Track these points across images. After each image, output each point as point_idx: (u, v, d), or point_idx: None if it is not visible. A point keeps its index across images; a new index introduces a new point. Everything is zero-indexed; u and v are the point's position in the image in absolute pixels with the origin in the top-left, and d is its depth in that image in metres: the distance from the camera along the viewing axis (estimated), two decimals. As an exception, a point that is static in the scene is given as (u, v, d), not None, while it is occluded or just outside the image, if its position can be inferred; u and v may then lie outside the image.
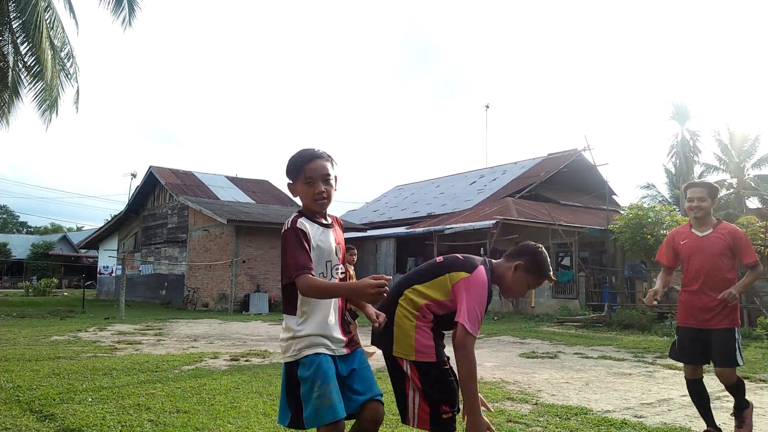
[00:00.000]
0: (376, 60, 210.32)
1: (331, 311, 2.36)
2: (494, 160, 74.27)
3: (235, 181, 28.33)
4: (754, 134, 26.79)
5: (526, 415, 4.34)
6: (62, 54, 14.19)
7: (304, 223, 2.32)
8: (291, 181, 2.44)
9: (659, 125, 78.98)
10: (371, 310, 2.51)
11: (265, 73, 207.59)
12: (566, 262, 20.48)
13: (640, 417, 4.43)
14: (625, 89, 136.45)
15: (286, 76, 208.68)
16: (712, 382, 6.05)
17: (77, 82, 14.71)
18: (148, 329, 11.58)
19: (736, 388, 3.87)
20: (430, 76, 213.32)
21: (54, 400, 4.58)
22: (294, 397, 2.30)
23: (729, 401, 5.10)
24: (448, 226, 19.40)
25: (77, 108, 14.92)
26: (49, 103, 13.61)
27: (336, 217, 2.55)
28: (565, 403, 4.87)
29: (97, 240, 31.06)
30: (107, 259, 29.72)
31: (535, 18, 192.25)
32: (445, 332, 2.82)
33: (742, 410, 3.89)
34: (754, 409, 4.81)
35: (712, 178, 27.07)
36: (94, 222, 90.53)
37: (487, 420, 2.65)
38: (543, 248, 2.89)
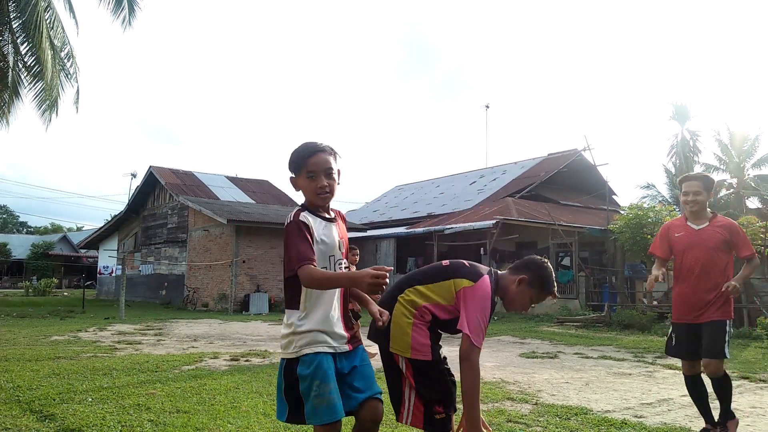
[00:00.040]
0: (376, 60, 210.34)
1: (333, 306, 2.32)
2: (494, 160, 74.32)
3: (235, 181, 28.33)
4: (754, 134, 26.78)
5: (526, 415, 4.34)
6: (62, 54, 14.19)
7: (306, 217, 2.29)
8: (293, 175, 2.40)
9: (659, 125, 78.94)
10: (375, 308, 2.47)
11: (265, 73, 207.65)
12: (566, 262, 20.48)
13: (640, 417, 4.43)
14: (625, 89, 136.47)
15: (287, 76, 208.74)
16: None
17: (77, 82, 14.73)
18: (148, 329, 11.58)
19: (723, 388, 3.80)
20: (430, 76, 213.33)
21: (54, 400, 4.58)
22: (293, 394, 2.27)
23: (729, 401, 5.10)
24: (448, 226, 19.40)
25: (77, 108, 14.94)
26: (49, 103, 13.61)
27: (339, 212, 2.50)
28: (565, 403, 4.87)
29: (97, 240, 31.05)
30: (107, 259, 29.72)
31: (535, 18, 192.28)
32: (442, 333, 2.82)
33: (727, 420, 3.81)
34: (755, 409, 4.82)
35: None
36: (94, 222, 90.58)
37: None
38: (549, 264, 2.86)
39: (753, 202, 26.72)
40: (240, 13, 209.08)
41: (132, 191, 30.30)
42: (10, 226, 68.62)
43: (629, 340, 10.64)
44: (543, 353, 8.42)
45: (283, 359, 2.34)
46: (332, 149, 2.40)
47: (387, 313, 2.50)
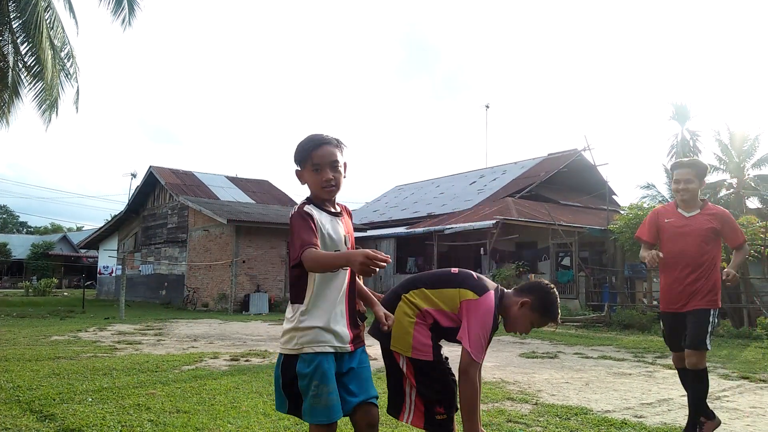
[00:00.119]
0: (376, 60, 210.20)
1: (339, 304, 2.26)
2: (494, 160, 74.27)
3: (235, 181, 28.33)
4: (754, 134, 26.75)
5: (526, 415, 4.34)
6: (62, 54, 14.20)
7: (311, 209, 2.24)
8: (299, 168, 2.34)
9: (659, 125, 78.93)
10: (381, 311, 2.43)
11: (265, 73, 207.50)
12: (566, 262, 20.47)
13: (640, 417, 4.42)
14: (625, 89, 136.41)
15: (287, 76, 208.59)
16: (712, 382, 6.04)
17: (77, 82, 14.73)
18: (148, 329, 11.57)
19: (699, 382, 3.66)
20: (430, 76, 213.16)
21: (54, 400, 4.57)
22: (292, 390, 2.23)
23: (729, 401, 5.11)
24: (448, 226, 19.39)
25: (77, 108, 14.94)
26: (49, 103, 13.61)
27: (345, 207, 2.45)
28: (565, 403, 4.87)
29: (97, 240, 31.04)
30: (107, 259, 29.71)
31: (535, 18, 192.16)
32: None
33: (699, 418, 3.69)
34: (755, 409, 4.81)
35: (712, 178, 27.01)
36: (94, 222, 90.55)
37: None
38: (554, 289, 2.82)
39: (753, 202, 26.70)
40: (240, 13, 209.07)
41: (132, 191, 30.32)
42: (10, 226, 68.60)
43: (629, 340, 10.64)
44: (543, 353, 8.41)
45: (281, 354, 2.28)
46: (338, 141, 2.34)
47: (392, 317, 2.47)
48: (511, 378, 6.17)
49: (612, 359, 7.92)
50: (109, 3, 13.99)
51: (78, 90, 14.80)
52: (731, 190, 26.87)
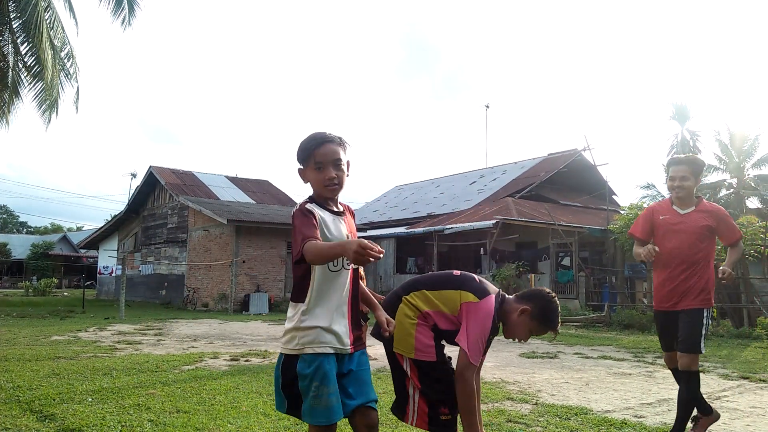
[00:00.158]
0: (376, 60, 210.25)
1: (342, 304, 2.24)
2: (494, 160, 74.28)
3: (235, 181, 28.33)
4: (754, 134, 26.75)
5: (526, 415, 4.34)
6: (62, 54, 14.19)
7: (313, 207, 2.21)
8: (301, 167, 2.32)
9: (659, 125, 78.93)
10: (383, 316, 2.41)
11: (265, 73, 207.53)
12: (566, 262, 20.48)
13: (640, 417, 4.42)
14: (625, 89, 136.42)
15: (286, 76, 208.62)
16: (711, 382, 6.05)
17: (77, 82, 14.72)
18: (148, 329, 11.57)
19: (690, 385, 3.59)
20: (430, 76, 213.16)
21: (54, 400, 4.57)
22: (292, 390, 2.21)
23: (729, 401, 5.11)
24: (448, 226, 19.39)
25: (77, 108, 14.93)
26: (49, 103, 13.60)
27: (348, 207, 2.42)
28: (565, 403, 4.87)
29: (97, 240, 31.04)
30: (107, 259, 29.71)
31: (535, 18, 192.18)
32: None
33: (696, 419, 3.67)
34: (755, 409, 4.81)
35: (712, 178, 27.03)
36: (94, 222, 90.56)
37: None
38: (556, 299, 2.80)
39: (753, 202, 26.70)
40: (240, 13, 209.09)
41: (132, 191, 30.32)
42: (10, 226, 68.60)
43: (629, 340, 10.64)
44: (543, 353, 8.42)
45: (282, 354, 2.26)
46: (341, 139, 2.32)
47: (393, 322, 2.45)
48: (511, 378, 6.17)
49: (612, 359, 7.92)
50: (109, 3, 13.99)
51: (78, 90, 14.81)
52: (731, 190, 26.86)
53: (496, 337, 2.80)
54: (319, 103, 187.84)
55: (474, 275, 2.81)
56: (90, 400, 4.60)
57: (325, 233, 2.19)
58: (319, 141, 2.27)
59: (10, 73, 13.66)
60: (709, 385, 5.92)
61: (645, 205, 15.26)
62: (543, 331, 2.79)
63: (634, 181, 76.44)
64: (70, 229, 57.36)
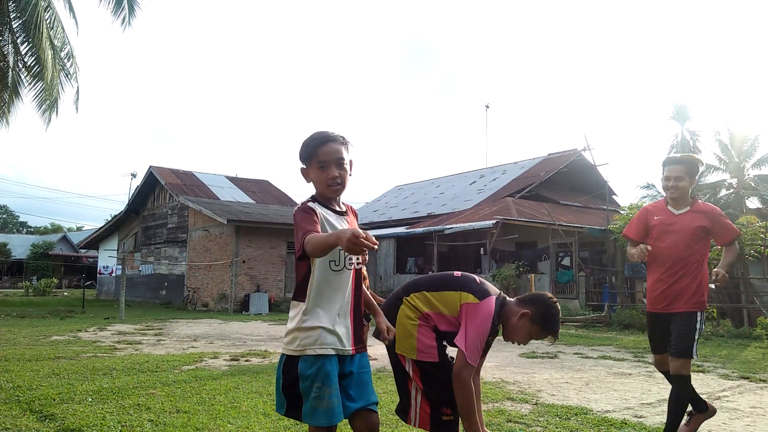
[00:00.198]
0: (376, 60, 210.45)
1: (344, 305, 2.22)
2: (494, 160, 74.29)
3: (235, 181, 28.34)
4: (754, 134, 26.71)
5: (526, 415, 4.34)
6: (62, 54, 14.18)
7: (315, 206, 2.20)
8: (304, 166, 2.30)
9: (659, 125, 78.93)
10: (383, 323, 2.40)
11: (265, 73, 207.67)
12: (566, 262, 20.48)
13: (640, 417, 4.42)
14: (625, 89, 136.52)
15: (287, 76, 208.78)
16: (711, 382, 6.05)
17: (77, 82, 14.71)
18: (148, 329, 11.58)
19: (680, 390, 3.51)
20: (430, 76, 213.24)
21: (54, 400, 4.57)
22: (293, 391, 2.20)
23: (729, 401, 5.11)
24: (448, 226, 19.40)
25: (77, 108, 14.92)
26: (49, 103, 13.60)
27: (351, 206, 2.41)
28: (565, 403, 4.87)
29: (97, 240, 31.05)
30: (107, 259, 29.72)
31: (535, 18, 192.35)
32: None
33: (690, 414, 3.63)
34: (755, 409, 4.81)
35: (712, 178, 27.02)
36: (94, 222, 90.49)
37: None
38: (557, 303, 2.79)
39: (753, 202, 26.69)
40: (240, 12, 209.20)
41: (132, 191, 30.33)
42: (10, 226, 68.61)
43: (629, 340, 10.64)
44: (543, 353, 8.42)
45: (283, 354, 2.25)
46: (344, 139, 2.30)
47: (394, 330, 2.44)
48: (511, 378, 6.17)
49: (612, 359, 7.92)
50: (109, 3, 13.98)
51: (78, 90, 14.80)
52: (731, 190, 26.86)
53: (497, 338, 2.80)
54: (320, 103, 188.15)
55: (475, 276, 2.80)
56: (90, 400, 4.60)
57: (327, 232, 2.17)
58: (322, 140, 2.26)
59: (10, 73, 13.66)
60: (709, 385, 5.93)
61: (645, 205, 15.26)
62: (543, 336, 2.79)
63: (634, 181, 76.41)
64: (70, 229, 57.38)
